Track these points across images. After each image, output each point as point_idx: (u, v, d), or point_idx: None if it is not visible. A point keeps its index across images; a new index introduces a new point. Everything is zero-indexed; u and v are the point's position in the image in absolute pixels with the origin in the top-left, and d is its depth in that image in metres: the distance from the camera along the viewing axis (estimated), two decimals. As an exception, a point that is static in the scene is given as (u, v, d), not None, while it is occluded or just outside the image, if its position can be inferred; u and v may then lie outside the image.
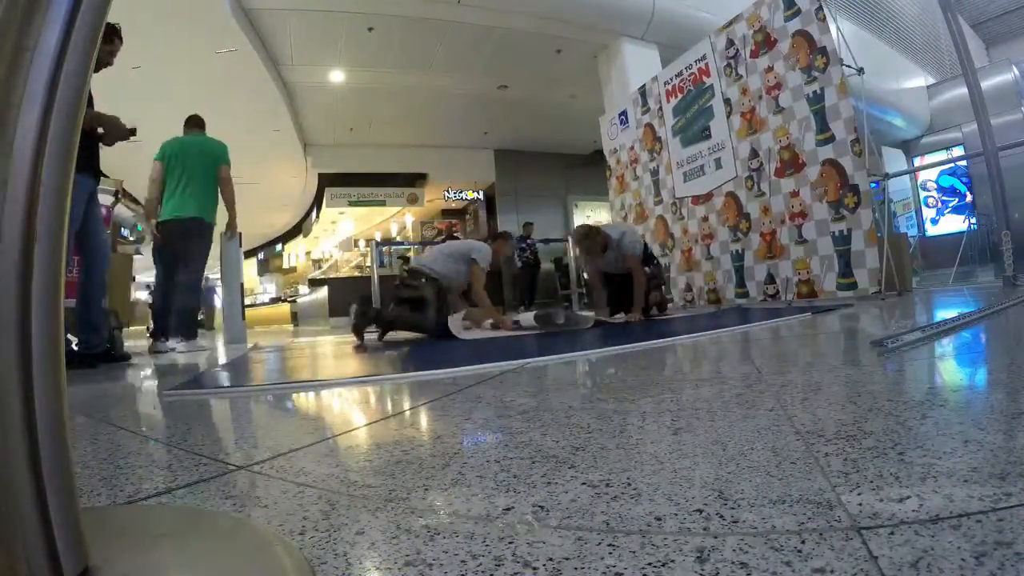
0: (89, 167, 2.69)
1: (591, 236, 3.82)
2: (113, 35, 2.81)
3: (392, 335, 3.59)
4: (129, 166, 8.37)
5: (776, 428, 0.73)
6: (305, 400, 1.41)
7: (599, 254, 3.88)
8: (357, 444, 0.86)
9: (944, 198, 12.19)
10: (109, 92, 6.51)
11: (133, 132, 2.99)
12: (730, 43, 4.71)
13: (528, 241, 8.96)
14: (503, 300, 8.18)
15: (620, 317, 3.82)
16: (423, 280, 3.46)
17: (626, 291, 3.79)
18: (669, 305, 5.65)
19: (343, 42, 6.84)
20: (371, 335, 3.59)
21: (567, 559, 0.42)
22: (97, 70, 2.76)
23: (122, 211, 5.17)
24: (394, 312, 3.51)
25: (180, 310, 3.74)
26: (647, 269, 3.85)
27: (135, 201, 9.69)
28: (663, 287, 4.35)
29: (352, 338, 3.57)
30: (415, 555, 0.44)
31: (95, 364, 2.76)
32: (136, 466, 0.82)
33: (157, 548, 0.46)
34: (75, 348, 2.73)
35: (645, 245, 4.05)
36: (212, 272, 5.64)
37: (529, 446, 0.75)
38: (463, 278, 3.64)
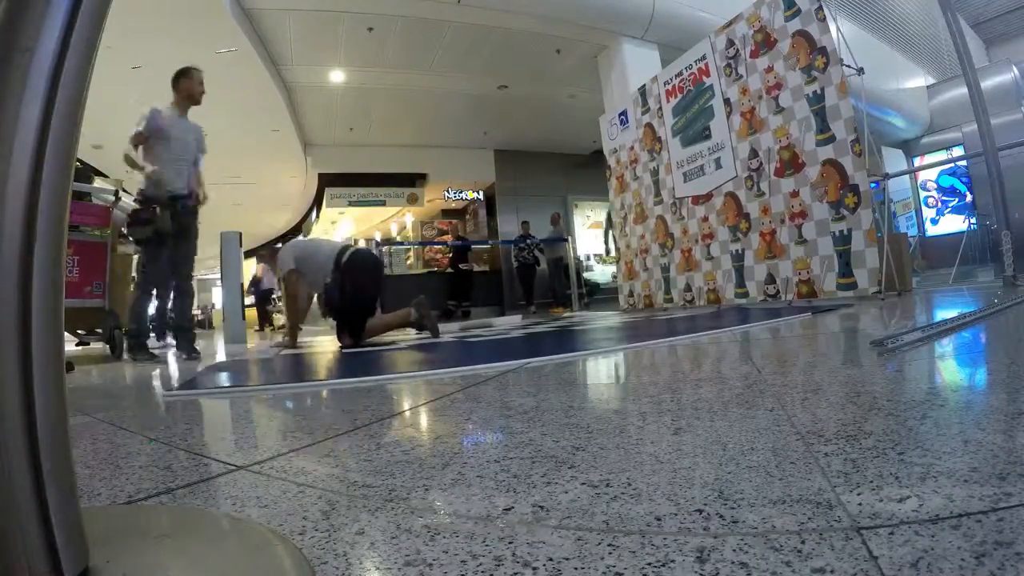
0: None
1: (273, 257, 3.71)
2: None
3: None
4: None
5: (776, 428, 0.73)
6: (305, 400, 1.41)
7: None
8: (357, 444, 0.86)
9: (944, 198, 12.19)
10: (110, 92, 6.52)
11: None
12: (730, 43, 4.70)
13: (528, 240, 8.96)
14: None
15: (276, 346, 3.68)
16: None
17: (349, 314, 3.33)
18: (668, 306, 5.62)
19: (343, 42, 6.83)
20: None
21: (567, 559, 0.42)
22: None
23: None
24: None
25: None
26: (313, 287, 3.45)
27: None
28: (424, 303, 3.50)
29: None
30: (415, 555, 0.44)
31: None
32: (136, 466, 0.82)
33: (157, 548, 0.46)
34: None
35: (342, 252, 3.36)
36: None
37: (529, 446, 0.75)
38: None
